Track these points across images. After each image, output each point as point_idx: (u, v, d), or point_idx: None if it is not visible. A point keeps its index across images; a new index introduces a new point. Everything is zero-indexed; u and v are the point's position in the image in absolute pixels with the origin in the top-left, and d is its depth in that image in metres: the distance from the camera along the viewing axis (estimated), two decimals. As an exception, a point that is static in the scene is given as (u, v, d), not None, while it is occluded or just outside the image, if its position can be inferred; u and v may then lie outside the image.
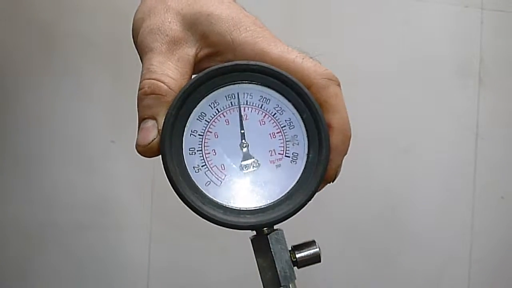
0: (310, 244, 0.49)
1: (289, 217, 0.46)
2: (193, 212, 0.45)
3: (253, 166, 0.47)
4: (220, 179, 0.47)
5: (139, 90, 0.47)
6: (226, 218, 0.45)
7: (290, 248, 0.49)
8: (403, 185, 1.11)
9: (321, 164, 0.46)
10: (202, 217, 0.45)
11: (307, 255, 0.49)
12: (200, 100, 0.46)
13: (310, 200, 0.46)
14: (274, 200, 0.46)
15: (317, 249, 0.49)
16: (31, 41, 1.02)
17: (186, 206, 0.45)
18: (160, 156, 0.46)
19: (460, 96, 1.11)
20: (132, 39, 0.52)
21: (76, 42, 1.03)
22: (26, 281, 1.05)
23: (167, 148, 0.45)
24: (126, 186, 1.05)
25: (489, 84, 1.11)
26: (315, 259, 0.49)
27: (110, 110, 1.04)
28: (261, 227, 0.46)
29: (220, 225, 0.45)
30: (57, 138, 1.04)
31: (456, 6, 1.09)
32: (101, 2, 1.03)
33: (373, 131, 1.08)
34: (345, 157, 0.49)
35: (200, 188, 0.46)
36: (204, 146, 0.46)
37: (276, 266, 0.47)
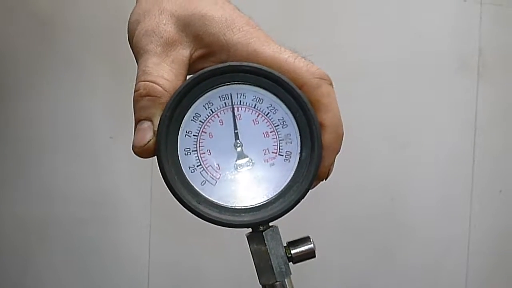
0: (304, 240, 0.50)
1: (283, 215, 0.47)
2: (188, 212, 0.46)
3: (247, 165, 0.48)
4: (215, 178, 0.47)
5: (134, 91, 0.48)
6: (221, 217, 0.46)
7: (285, 244, 0.50)
8: (402, 178, 1.12)
9: (313, 163, 0.47)
10: (198, 216, 0.46)
11: (302, 251, 0.50)
12: (194, 101, 0.47)
13: (303, 197, 0.47)
14: (268, 198, 0.47)
15: (312, 245, 0.50)
16: (31, 35, 1.03)
17: (181, 205, 0.46)
18: (156, 157, 0.47)
19: (459, 90, 1.12)
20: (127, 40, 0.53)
21: (75, 37, 1.03)
22: (26, 275, 1.07)
23: (163, 149, 0.46)
24: (125, 181, 1.06)
25: (488, 78, 1.12)
26: (310, 254, 0.50)
27: (109, 106, 1.05)
28: (256, 225, 0.47)
29: (216, 224, 0.46)
30: (57, 133, 1.05)
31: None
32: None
33: (372, 124, 1.09)
34: (339, 153, 0.50)
35: (196, 187, 0.47)
36: (199, 146, 0.47)
37: (272, 262, 0.48)
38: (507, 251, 1.15)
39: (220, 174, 0.48)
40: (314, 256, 0.50)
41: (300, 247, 0.50)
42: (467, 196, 1.13)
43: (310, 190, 0.49)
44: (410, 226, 1.13)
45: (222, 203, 0.47)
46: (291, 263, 0.50)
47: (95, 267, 1.08)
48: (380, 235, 1.12)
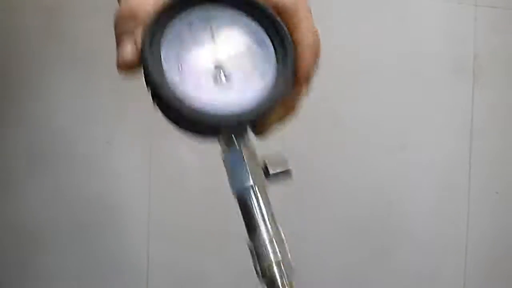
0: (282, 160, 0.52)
1: (261, 113, 0.49)
2: (175, 113, 0.49)
3: (226, 79, 0.51)
4: (196, 91, 0.50)
5: (116, 16, 0.50)
6: (205, 116, 0.48)
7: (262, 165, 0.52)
8: (398, 181, 1.12)
9: (288, 65, 0.50)
10: (183, 116, 0.48)
11: (278, 168, 0.52)
12: (174, 19, 0.50)
13: (281, 96, 0.50)
14: (247, 105, 0.49)
15: (289, 167, 0.52)
16: (37, 29, 1.06)
17: (168, 106, 0.48)
18: (142, 66, 0.49)
19: (455, 93, 1.13)
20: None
21: (75, 40, 1.06)
22: (24, 278, 1.07)
23: (148, 55, 0.48)
24: (123, 184, 1.08)
25: (483, 81, 1.13)
26: (286, 174, 0.52)
27: (106, 111, 1.08)
28: (238, 121, 0.49)
29: (201, 123, 0.48)
30: (55, 137, 1.07)
31: (449, 2, 1.13)
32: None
33: (368, 127, 1.10)
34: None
35: (179, 97, 0.49)
36: (180, 64, 0.50)
37: (247, 167, 0.50)
38: (504, 252, 1.13)
39: (200, 88, 0.50)
40: (290, 175, 0.52)
41: (277, 166, 0.52)
42: (464, 198, 1.12)
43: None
44: (407, 228, 1.12)
45: (204, 108, 0.49)
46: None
47: (93, 270, 1.08)
48: (376, 237, 1.11)
